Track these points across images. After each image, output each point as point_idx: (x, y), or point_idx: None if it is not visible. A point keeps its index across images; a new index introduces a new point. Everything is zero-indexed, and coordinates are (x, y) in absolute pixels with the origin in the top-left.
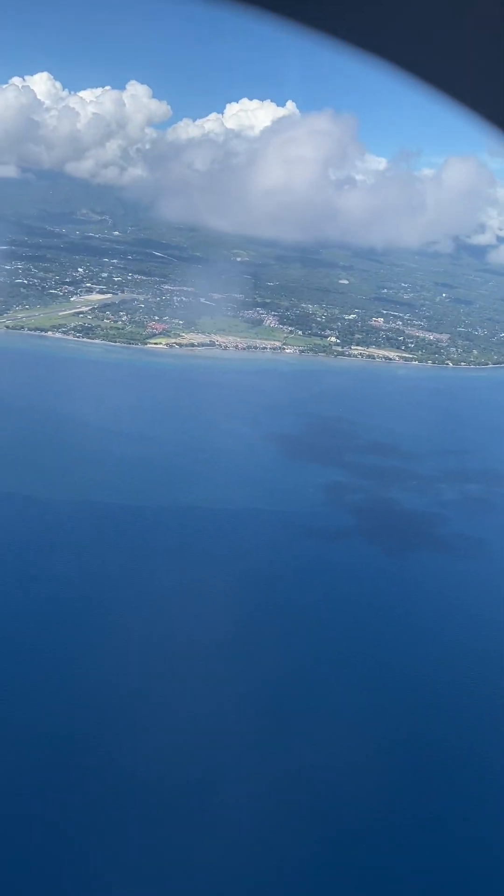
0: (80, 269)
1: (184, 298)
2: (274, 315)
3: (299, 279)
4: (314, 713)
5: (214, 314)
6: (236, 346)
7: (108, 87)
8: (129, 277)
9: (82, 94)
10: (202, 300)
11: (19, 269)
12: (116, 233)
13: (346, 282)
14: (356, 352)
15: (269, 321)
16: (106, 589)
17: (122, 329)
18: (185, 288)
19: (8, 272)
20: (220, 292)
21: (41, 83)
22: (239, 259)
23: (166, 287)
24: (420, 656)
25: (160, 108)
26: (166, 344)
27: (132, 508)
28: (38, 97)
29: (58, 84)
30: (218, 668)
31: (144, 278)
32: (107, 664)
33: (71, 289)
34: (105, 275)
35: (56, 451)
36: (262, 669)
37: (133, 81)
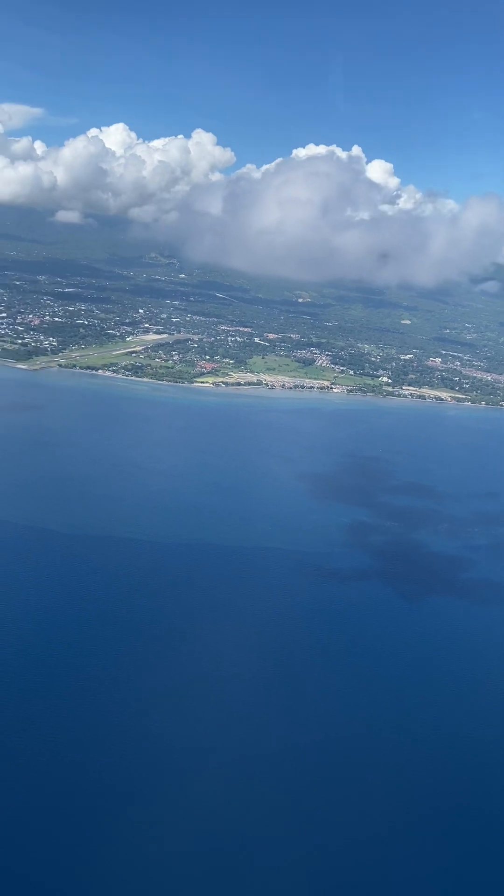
0: (140, 311)
1: (238, 339)
2: (327, 354)
3: (360, 319)
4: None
5: (267, 354)
6: (283, 386)
7: (180, 136)
8: (188, 318)
9: (154, 142)
10: (256, 340)
11: (82, 310)
12: (182, 275)
13: (408, 322)
14: (407, 391)
15: (321, 361)
16: (112, 628)
17: (172, 368)
18: (241, 328)
19: (71, 313)
20: (276, 332)
21: (117, 133)
22: (300, 300)
23: (223, 328)
24: (408, 704)
25: (224, 155)
26: (212, 383)
27: (145, 543)
28: (108, 146)
29: (132, 134)
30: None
31: (202, 319)
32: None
33: (129, 329)
34: (164, 316)
35: (77, 485)
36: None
37: (199, 129)
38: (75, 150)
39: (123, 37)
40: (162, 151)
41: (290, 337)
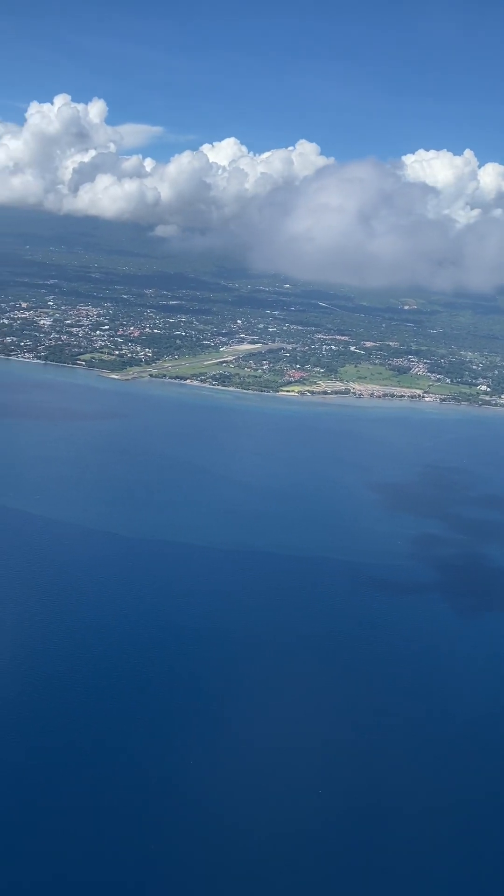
0: (238, 321)
1: (333, 347)
2: (425, 363)
3: (467, 326)
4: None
5: (361, 362)
6: (371, 394)
7: (290, 148)
8: (285, 328)
9: (263, 155)
10: (352, 348)
11: (182, 321)
12: (287, 286)
13: None
14: None
15: (417, 369)
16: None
17: (259, 377)
18: (337, 337)
19: (170, 325)
20: (374, 340)
21: (228, 148)
22: (406, 307)
23: (319, 336)
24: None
25: (327, 164)
26: (298, 391)
27: (200, 549)
28: (215, 161)
29: (243, 147)
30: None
31: (300, 328)
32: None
33: (224, 339)
34: (261, 326)
35: (145, 490)
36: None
37: (302, 140)
38: (180, 165)
39: (238, 53)
40: (265, 163)
41: (388, 345)
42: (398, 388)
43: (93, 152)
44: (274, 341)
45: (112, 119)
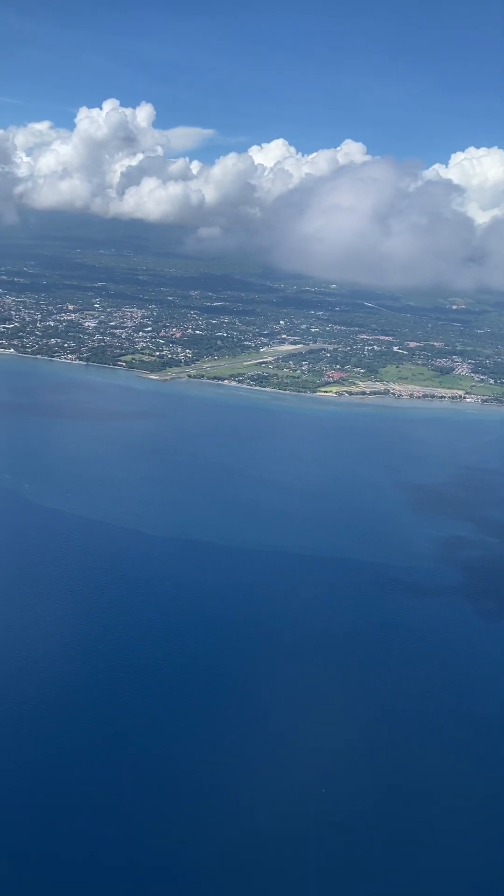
0: (281, 322)
1: (375, 348)
2: (469, 363)
3: None
4: None
5: (403, 362)
6: (411, 395)
7: (337, 148)
8: (328, 328)
9: (311, 156)
10: (395, 349)
11: (225, 322)
12: (334, 286)
13: None
14: None
15: (461, 369)
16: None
17: (298, 378)
18: (381, 337)
19: (213, 326)
20: (419, 341)
21: (276, 149)
22: (454, 307)
23: (362, 336)
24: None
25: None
26: (336, 392)
27: (220, 548)
28: (261, 162)
29: (291, 148)
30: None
31: (343, 328)
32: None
33: (265, 340)
34: (304, 326)
35: (169, 489)
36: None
37: (348, 140)
38: (225, 167)
39: (289, 53)
40: (310, 164)
41: (432, 345)
42: (439, 389)
43: (140, 156)
44: (315, 342)
45: (164, 122)
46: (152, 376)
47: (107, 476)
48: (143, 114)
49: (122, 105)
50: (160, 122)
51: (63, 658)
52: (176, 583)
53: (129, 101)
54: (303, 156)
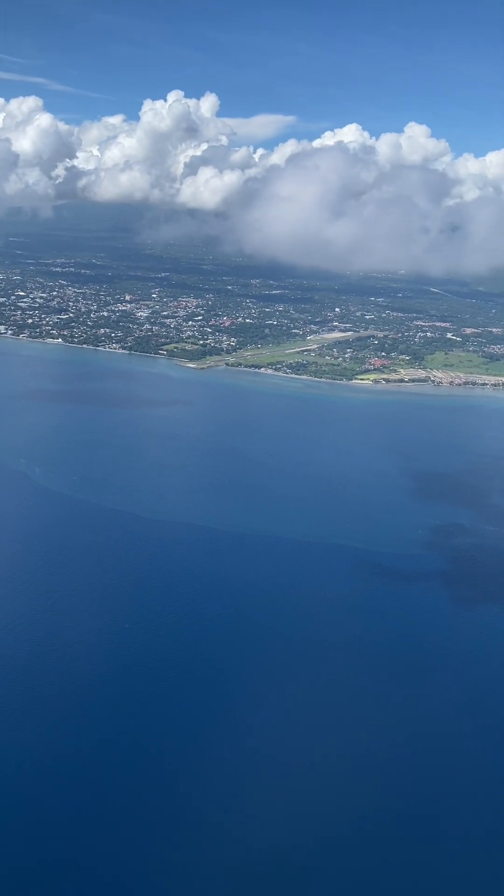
0: (337, 309)
1: (429, 334)
2: None
3: None
4: None
5: (454, 349)
6: (451, 382)
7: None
8: (384, 315)
9: (383, 137)
10: (449, 335)
11: (279, 310)
12: (402, 271)
13: None
14: None
15: None
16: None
17: (338, 365)
18: (438, 324)
19: (266, 314)
20: (477, 327)
21: (349, 133)
22: None
23: (417, 323)
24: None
25: (438, 147)
26: (373, 380)
27: (212, 531)
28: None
29: (365, 133)
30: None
31: (401, 315)
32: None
33: (315, 328)
34: (359, 313)
35: (177, 475)
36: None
37: (412, 123)
38: (282, 154)
39: (373, 36)
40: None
41: (490, 331)
42: (483, 376)
43: (204, 146)
44: (367, 329)
45: (244, 111)
46: (190, 365)
47: (116, 461)
48: (208, 104)
49: (204, 93)
50: (238, 110)
51: (49, 641)
52: (157, 567)
53: (205, 90)
54: (376, 139)
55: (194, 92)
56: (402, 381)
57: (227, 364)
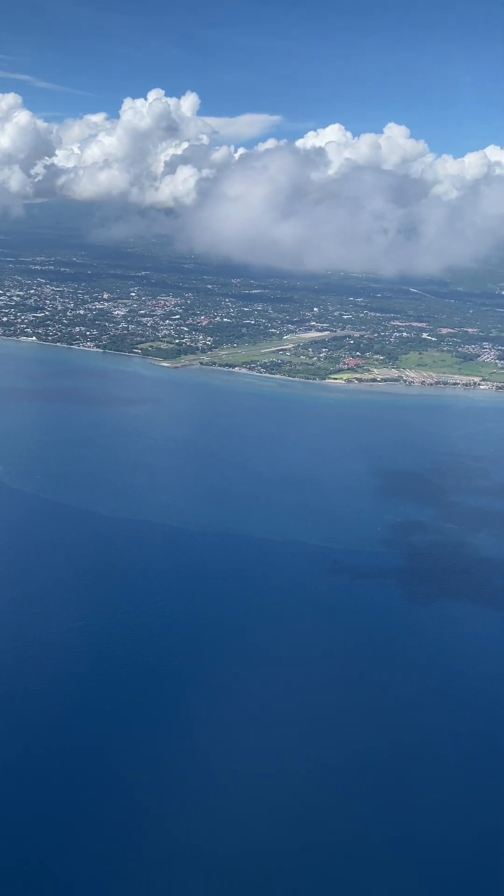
0: (315, 309)
1: (405, 334)
2: (499, 349)
3: None
4: None
5: (428, 349)
6: (423, 382)
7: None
8: (362, 315)
9: (363, 137)
10: (425, 335)
11: (257, 310)
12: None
13: None
14: None
15: (486, 356)
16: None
17: (312, 365)
18: (414, 324)
19: (244, 314)
20: (455, 327)
21: (332, 134)
22: None
23: (394, 323)
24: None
25: (416, 147)
26: (346, 379)
27: (172, 529)
28: (325, 146)
29: (348, 133)
30: None
31: (378, 315)
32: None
33: (292, 327)
34: (337, 313)
35: (137, 473)
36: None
37: (391, 123)
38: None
39: (360, 35)
40: (353, 149)
41: (465, 331)
42: (455, 376)
43: (185, 145)
44: (344, 328)
45: (230, 110)
46: (164, 363)
47: (83, 459)
48: (188, 103)
49: (189, 92)
50: (225, 109)
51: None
52: (117, 566)
53: (191, 88)
54: (356, 139)
55: (181, 90)
56: (374, 380)
57: (201, 363)
